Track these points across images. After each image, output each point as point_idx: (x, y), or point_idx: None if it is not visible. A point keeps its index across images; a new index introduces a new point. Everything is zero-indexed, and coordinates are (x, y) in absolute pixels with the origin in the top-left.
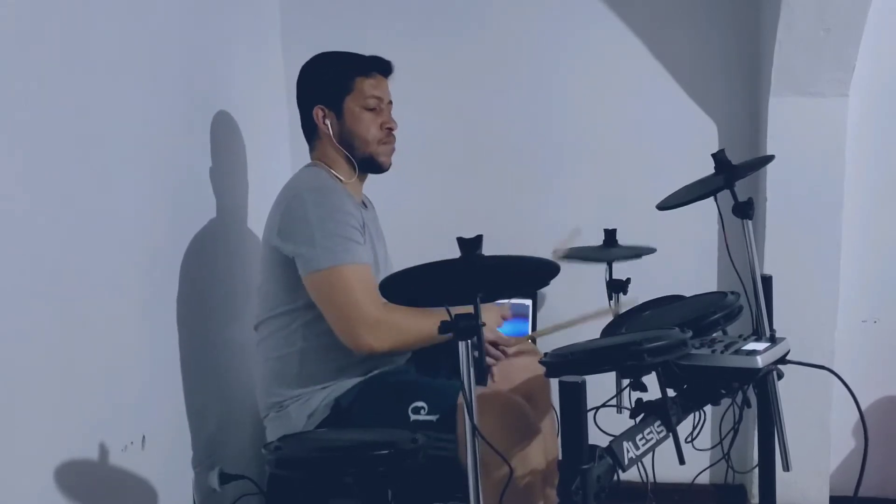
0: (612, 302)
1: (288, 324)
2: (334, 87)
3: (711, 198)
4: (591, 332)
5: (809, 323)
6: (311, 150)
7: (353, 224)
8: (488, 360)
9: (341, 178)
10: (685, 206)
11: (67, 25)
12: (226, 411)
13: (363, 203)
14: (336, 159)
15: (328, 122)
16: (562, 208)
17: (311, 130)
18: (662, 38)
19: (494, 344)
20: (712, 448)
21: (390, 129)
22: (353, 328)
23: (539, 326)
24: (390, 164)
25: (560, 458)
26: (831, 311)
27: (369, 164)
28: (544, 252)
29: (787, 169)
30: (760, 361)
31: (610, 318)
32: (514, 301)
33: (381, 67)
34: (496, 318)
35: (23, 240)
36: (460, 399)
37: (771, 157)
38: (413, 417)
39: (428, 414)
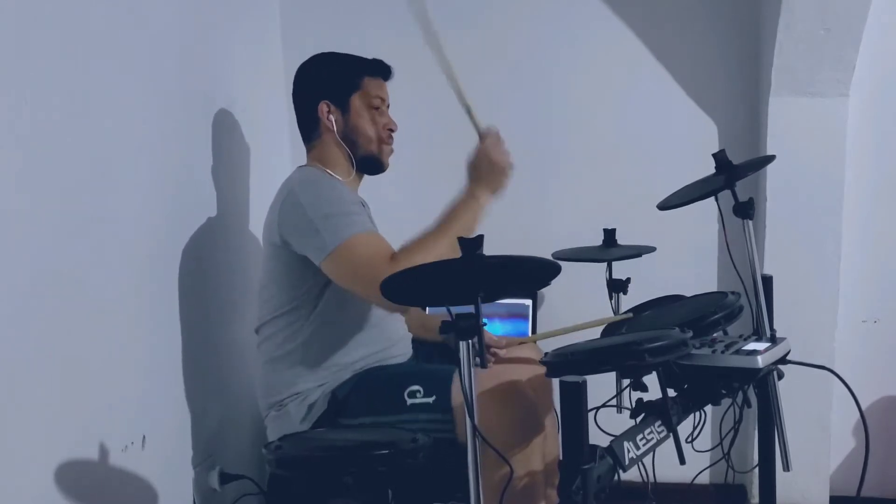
0: (612, 301)
1: (290, 324)
2: (342, 83)
3: (712, 198)
4: (591, 332)
5: (809, 323)
6: (310, 149)
7: (346, 198)
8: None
9: (338, 177)
10: (685, 206)
11: (66, 25)
12: (226, 411)
13: (360, 202)
14: (335, 157)
15: (332, 117)
16: (562, 208)
17: (311, 127)
18: (662, 38)
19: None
20: (713, 448)
21: (391, 131)
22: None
23: (540, 330)
24: (388, 166)
25: (561, 457)
26: (831, 311)
27: (370, 163)
28: (544, 252)
29: (787, 169)
30: (761, 361)
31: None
32: (514, 301)
33: (385, 71)
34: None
35: (22, 240)
36: (456, 376)
37: (772, 158)
38: (410, 401)
39: (424, 396)
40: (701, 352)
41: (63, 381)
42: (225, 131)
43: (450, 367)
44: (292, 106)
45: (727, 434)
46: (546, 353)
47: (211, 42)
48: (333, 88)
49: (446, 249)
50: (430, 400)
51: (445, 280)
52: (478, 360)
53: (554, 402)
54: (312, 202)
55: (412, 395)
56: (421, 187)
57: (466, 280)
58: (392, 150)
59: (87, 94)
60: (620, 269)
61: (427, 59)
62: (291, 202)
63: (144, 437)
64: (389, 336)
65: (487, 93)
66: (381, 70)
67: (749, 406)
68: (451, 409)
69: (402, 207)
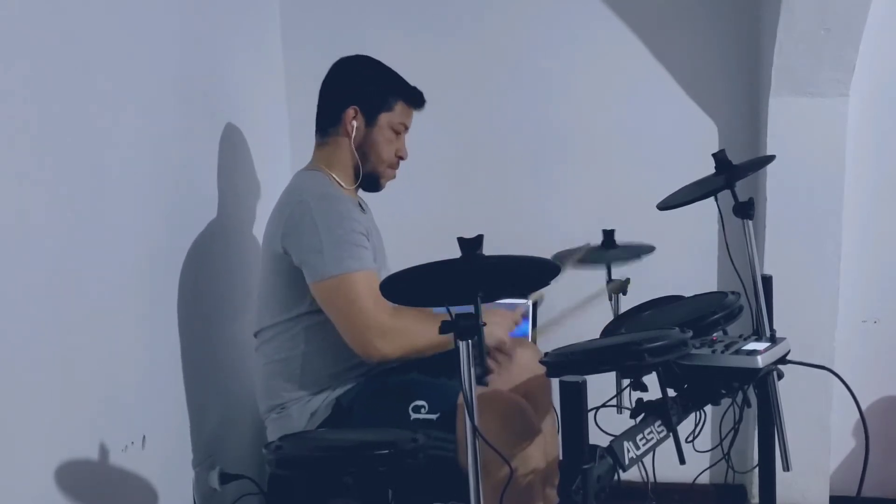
0: (612, 302)
1: (290, 328)
2: (377, 98)
3: (711, 198)
4: (591, 331)
5: (809, 323)
6: (321, 144)
7: (359, 230)
8: (491, 363)
9: (342, 184)
10: (685, 206)
11: (66, 25)
12: (226, 411)
13: (361, 206)
14: (344, 162)
15: (355, 124)
16: (562, 208)
17: (331, 123)
18: (663, 39)
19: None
20: (713, 448)
21: (401, 159)
22: (364, 336)
23: (538, 324)
24: (383, 189)
25: (560, 457)
26: (831, 311)
27: (370, 181)
28: (544, 252)
29: (787, 169)
30: (761, 361)
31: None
32: (513, 301)
33: (420, 103)
34: (508, 323)
35: (22, 240)
36: (461, 398)
37: (771, 158)
38: (413, 416)
39: (428, 413)
40: (701, 352)
41: (63, 381)
42: (225, 131)
43: (457, 385)
44: (292, 106)
45: (727, 434)
46: (546, 353)
47: (211, 42)
48: (367, 99)
49: (440, 336)
50: (434, 417)
51: (445, 280)
52: (482, 368)
53: (554, 402)
54: (327, 221)
55: (416, 410)
56: (424, 185)
57: (466, 280)
58: (394, 177)
59: (87, 94)
60: (620, 269)
61: (427, 58)
62: (303, 212)
63: (144, 437)
64: None
65: (488, 93)
66: (417, 101)
67: (749, 406)
68: (455, 430)
69: (405, 205)
